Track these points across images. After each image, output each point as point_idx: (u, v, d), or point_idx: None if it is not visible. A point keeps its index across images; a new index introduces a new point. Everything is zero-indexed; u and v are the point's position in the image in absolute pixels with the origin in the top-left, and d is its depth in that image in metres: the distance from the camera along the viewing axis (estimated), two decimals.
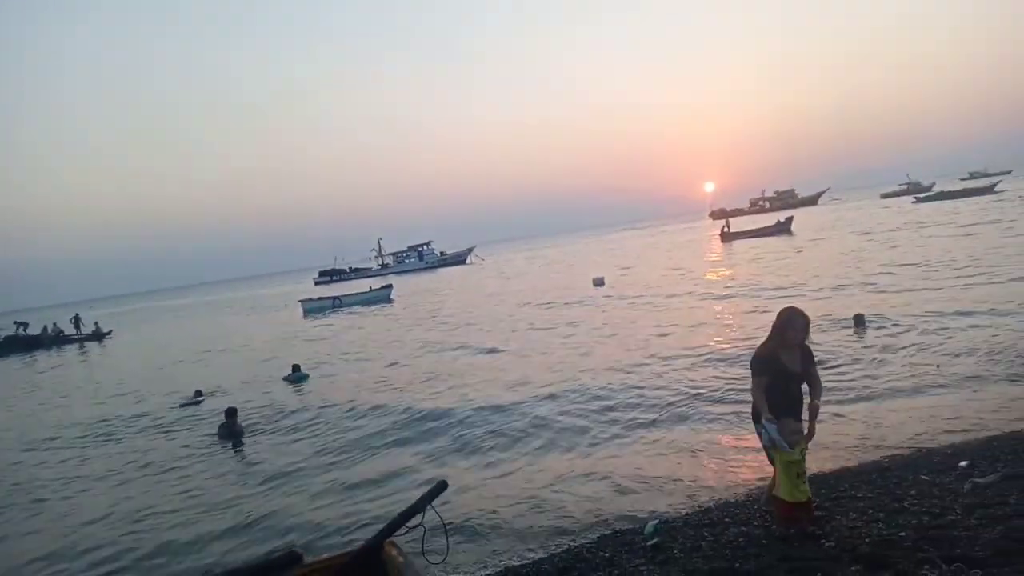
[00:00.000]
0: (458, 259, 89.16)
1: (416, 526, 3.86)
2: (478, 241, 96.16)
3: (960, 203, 53.77)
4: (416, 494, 4.08)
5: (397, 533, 3.87)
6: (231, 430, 11.70)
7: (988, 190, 63.12)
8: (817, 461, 6.88)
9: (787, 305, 5.08)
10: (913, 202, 64.41)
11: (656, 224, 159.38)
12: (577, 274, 39.15)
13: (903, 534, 4.56)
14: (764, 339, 5.07)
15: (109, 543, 7.50)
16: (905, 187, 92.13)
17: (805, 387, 5.05)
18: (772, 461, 4.96)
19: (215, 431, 11.96)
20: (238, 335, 33.14)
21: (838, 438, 7.47)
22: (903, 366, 10.32)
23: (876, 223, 44.45)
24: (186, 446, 11.52)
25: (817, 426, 4.94)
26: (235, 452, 10.91)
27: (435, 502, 3.93)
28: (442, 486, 4.00)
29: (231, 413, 12.01)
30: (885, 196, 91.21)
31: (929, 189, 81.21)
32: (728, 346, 13.43)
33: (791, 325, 4.80)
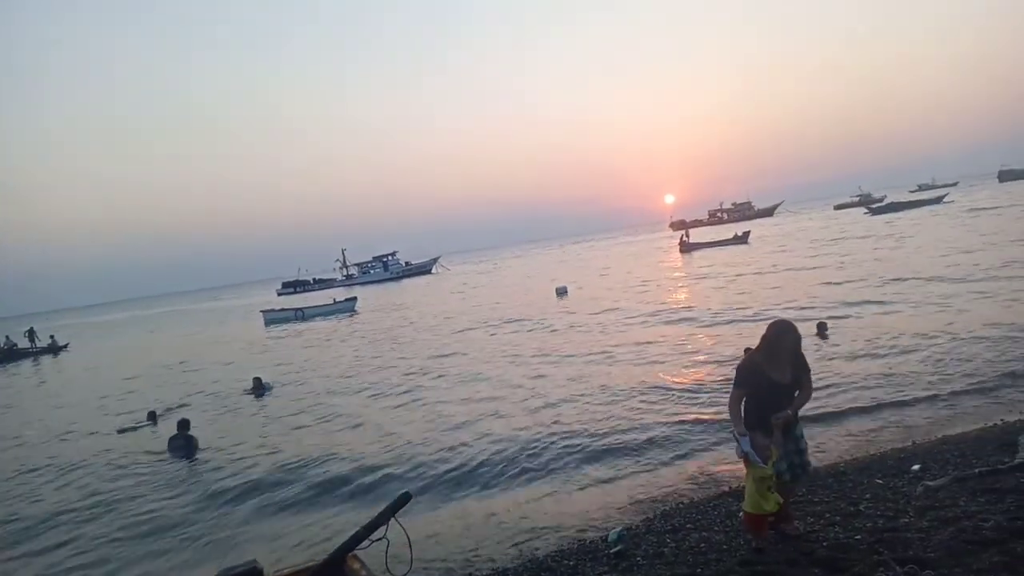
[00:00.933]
0: (423, 269, 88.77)
1: (380, 539, 3.81)
2: (445, 251, 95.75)
3: (912, 213, 55.59)
4: (379, 507, 4.04)
5: (360, 546, 3.82)
6: (187, 443, 11.36)
7: (937, 201, 65.51)
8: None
9: (777, 319, 4.88)
10: (865, 213, 66.32)
11: (619, 235, 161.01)
12: (541, 285, 39.25)
13: (859, 537, 4.66)
14: (753, 349, 4.86)
15: None
16: (857, 199, 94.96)
17: None
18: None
19: (165, 446, 11.56)
20: (199, 347, 32.48)
21: None
22: (859, 373, 10.59)
23: (830, 235, 45.62)
24: (129, 469, 10.97)
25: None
26: (189, 467, 10.60)
27: (399, 514, 3.89)
28: (405, 498, 3.97)
29: (183, 425, 11.66)
30: (838, 207, 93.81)
31: (880, 200, 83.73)
32: (682, 364, 13.61)
33: (779, 341, 4.64)
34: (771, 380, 4.64)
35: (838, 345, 12.74)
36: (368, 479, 8.83)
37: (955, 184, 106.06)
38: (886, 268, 23.14)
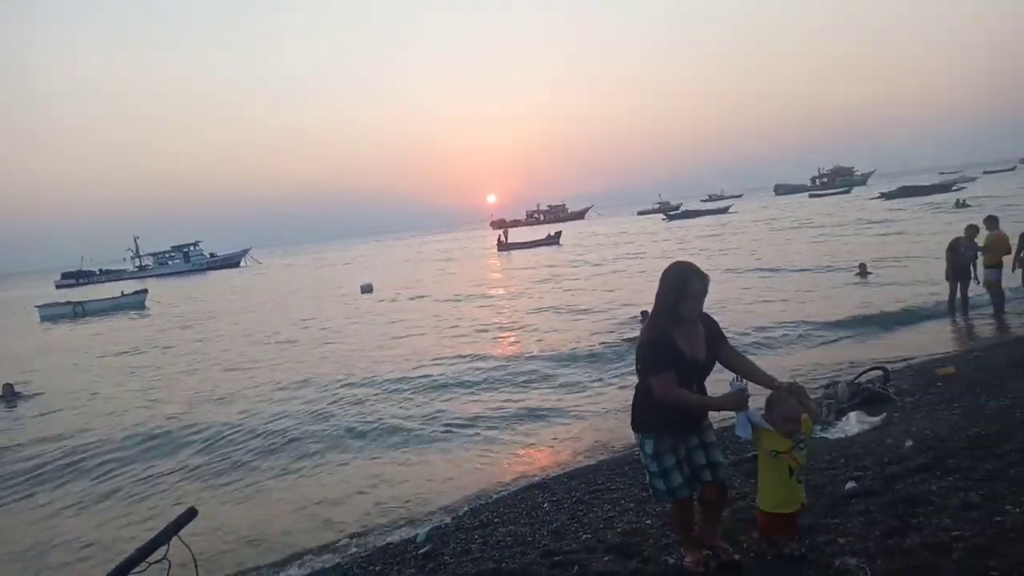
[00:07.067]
0: (230, 261, 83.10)
1: (159, 560, 3.46)
2: (262, 243, 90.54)
3: (704, 220, 61.74)
4: (161, 524, 3.67)
5: (136, 570, 3.45)
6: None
7: (724, 210, 73.51)
8: (579, 457, 7.37)
9: (675, 261, 3.57)
10: (663, 219, 72.67)
11: (442, 231, 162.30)
12: (351, 280, 38.24)
13: (649, 521, 4.96)
14: (648, 318, 3.64)
15: None
16: (657, 206, 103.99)
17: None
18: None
19: None
20: None
21: (599, 431, 8.06)
22: None
23: (632, 237, 49.33)
24: None
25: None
26: None
27: (183, 532, 3.56)
28: (191, 514, 3.63)
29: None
30: (641, 213, 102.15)
31: (677, 208, 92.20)
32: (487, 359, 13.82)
33: (686, 290, 3.39)
34: (682, 354, 3.44)
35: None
36: (127, 489, 8.25)
37: (740, 196, 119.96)
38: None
